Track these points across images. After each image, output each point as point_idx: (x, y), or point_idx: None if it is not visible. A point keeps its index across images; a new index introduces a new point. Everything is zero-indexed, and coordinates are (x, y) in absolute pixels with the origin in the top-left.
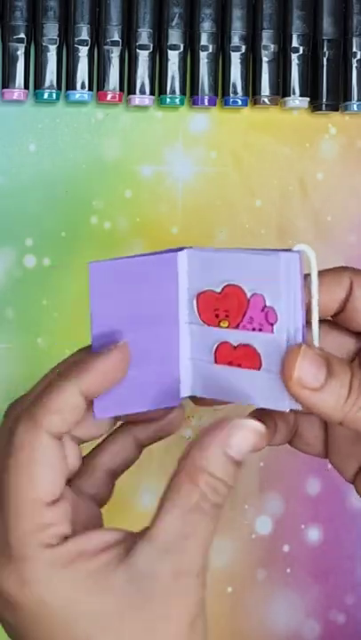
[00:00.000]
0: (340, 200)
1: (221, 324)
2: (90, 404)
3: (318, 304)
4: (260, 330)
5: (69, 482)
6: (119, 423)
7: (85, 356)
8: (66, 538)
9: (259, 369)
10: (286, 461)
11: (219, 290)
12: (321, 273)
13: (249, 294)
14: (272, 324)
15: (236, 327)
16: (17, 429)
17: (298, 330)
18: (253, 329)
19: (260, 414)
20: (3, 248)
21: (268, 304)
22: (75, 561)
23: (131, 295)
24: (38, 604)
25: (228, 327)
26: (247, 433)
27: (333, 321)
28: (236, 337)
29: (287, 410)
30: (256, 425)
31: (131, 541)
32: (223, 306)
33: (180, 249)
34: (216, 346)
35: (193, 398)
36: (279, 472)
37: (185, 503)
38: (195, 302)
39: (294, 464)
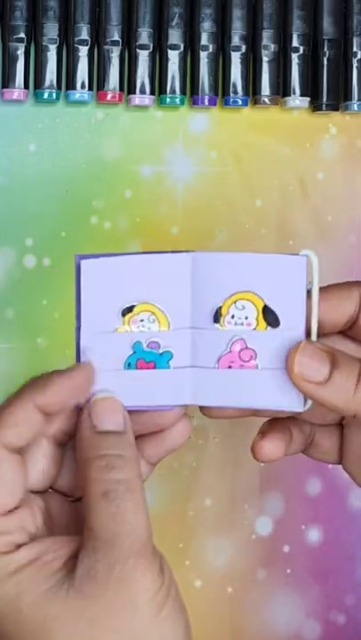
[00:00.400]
0: (340, 200)
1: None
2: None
3: (318, 307)
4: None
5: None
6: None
7: (50, 373)
8: (19, 546)
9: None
10: (286, 462)
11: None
12: (330, 287)
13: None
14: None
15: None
16: None
17: (302, 330)
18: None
19: (276, 425)
20: (2, 248)
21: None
22: (22, 569)
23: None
24: None
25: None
26: (102, 402)
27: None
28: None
29: (301, 410)
30: (103, 394)
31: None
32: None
33: (178, 251)
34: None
35: (204, 409)
36: (279, 472)
37: (91, 498)
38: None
39: (294, 464)
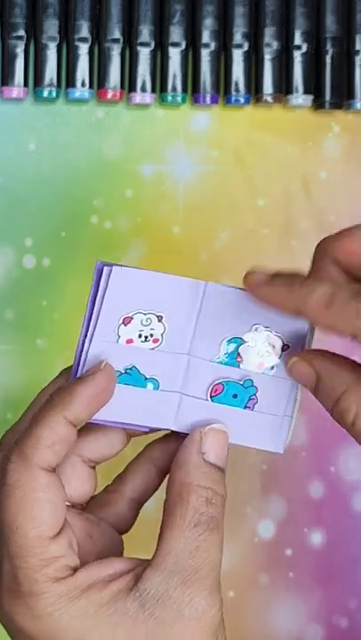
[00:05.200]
0: (343, 199)
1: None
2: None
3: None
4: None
5: (86, 508)
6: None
7: (70, 382)
8: (74, 569)
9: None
10: (289, 465)
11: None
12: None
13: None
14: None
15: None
16: (8, 467)
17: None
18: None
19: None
20: (2, 248)
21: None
22: (84, 593)
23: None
24: (51, 636)
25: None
26: (217, 434)
27: None
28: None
29: (280, 452)
30: (219, 425)
31: (140, 569)
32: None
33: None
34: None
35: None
36: (282, 475)
37: (181, 523)
38: (234, 349)
39: (297, 467)
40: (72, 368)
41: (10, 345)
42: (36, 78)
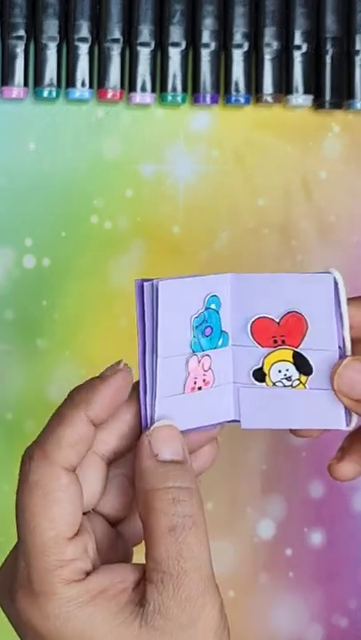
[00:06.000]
0: (343, 199)
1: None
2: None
3: (349, 322)
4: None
5: (106, 516)
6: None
7: (90, 381)
8: (87, 573)
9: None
10: (289, 464)
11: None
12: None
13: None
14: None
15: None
16: (30, 465)
17: (335, 348)
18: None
19: (356, 441)
20: (2, 248)
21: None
22: (94, 599)
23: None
24: (59, 636)
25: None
26: (163, 430)
27: None
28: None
29: (345, 428)
30: (162, 422)
31: (143, 582)
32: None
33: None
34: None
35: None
36: (282, 475)
37: (157, 531)
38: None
39: (297, 467)
40: (140, 384)
41: (10, 345)
42: (36, 78)
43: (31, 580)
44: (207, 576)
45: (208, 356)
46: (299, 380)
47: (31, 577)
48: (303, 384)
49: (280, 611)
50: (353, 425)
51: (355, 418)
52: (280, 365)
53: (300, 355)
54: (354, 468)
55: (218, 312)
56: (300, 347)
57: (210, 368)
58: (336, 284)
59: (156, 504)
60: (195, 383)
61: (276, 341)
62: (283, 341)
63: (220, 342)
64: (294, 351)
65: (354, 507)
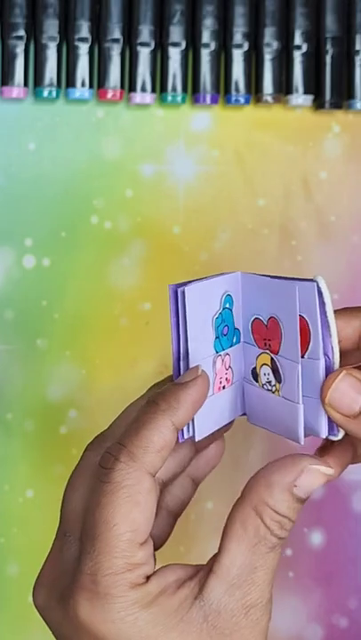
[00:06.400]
0: (343, 199)
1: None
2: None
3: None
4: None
5: None
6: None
7: (171, 387)
8: (147, 577)
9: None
10: None
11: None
12: (337, 311)
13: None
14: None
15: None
16: (116, 466)
17: (333, 356)
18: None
19: (336, 442)
20: (1, 248)
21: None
22: (155, 600)
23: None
24: (120, 639)
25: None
26: (317, 476)
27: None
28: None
29: (330, 437)
30: (326, 470)
31: (202, 576)
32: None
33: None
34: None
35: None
36: None
37: (251, 538)
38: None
39: None
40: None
41: (10, 345)
42: (36, 78)
43: (96, 581)
44: (270, 592)
45: (228, 354)
46: (275, 386)
47: (96, 577)
48: (278, 391)
49: (280, 611)
50: (341, 435)
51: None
52: (265, 369)
53: (274, 361)
54: (334, 468)
55: (231, 310)
56: (280, 353)
57: (230, 366)
58: (320, 292)
59: (267, 520)
60: (220, 383)
61: (265, 344)
62: (269, 345)
63: (234, 340)
64: (271, 356)
65: (354, 507)
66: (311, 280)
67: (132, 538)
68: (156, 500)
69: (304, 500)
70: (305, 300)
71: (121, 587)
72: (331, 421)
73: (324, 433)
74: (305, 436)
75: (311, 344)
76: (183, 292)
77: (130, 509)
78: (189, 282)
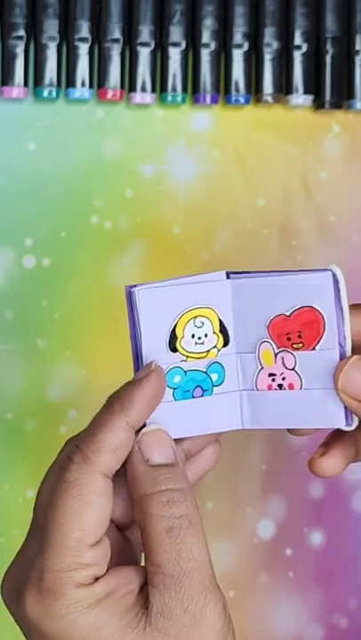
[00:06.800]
0: (343, 199)
1: (295, 346)
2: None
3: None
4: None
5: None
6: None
7: (126, 386)
8: (97, 578)
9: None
10: (289, 464)
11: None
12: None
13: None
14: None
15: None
16: (70, 467)
17: (336, 347)
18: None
19: (339, 438)
20: (2, 248)
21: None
22: (101, 601)
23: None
24: (61, 636)
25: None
26: (152, 435)
27: None
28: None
29: (344, 427)
30: (150, 426)
31: (145, 582)
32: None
33: (226, 273)
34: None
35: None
36: (282, 475)
37: (154, 535)
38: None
39: (297, 467)
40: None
41: (10, 345)
42: (36, 78)
43: (43, 579)
44: (208, 575)
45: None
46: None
47: (43, 575)
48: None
49: (280, 610)
50: (355, 424)
51: (356, 417)
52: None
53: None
54: (336, 464)
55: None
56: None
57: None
58: (336, 281)
59: (151, 508)
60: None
61: (289, 339)
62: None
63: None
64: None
65: (354, 507)
66: (325, 270)
67: (81, 537)
68: (111, 500)
69: (168, 463)
70: (318, 289)
71: (66, 585)
72: (347, 411)
73: (341, 423)
74: (324, 427)
75: (325, 334)
76: (135, 293)
77: (80, 509)
78: (146, 283)
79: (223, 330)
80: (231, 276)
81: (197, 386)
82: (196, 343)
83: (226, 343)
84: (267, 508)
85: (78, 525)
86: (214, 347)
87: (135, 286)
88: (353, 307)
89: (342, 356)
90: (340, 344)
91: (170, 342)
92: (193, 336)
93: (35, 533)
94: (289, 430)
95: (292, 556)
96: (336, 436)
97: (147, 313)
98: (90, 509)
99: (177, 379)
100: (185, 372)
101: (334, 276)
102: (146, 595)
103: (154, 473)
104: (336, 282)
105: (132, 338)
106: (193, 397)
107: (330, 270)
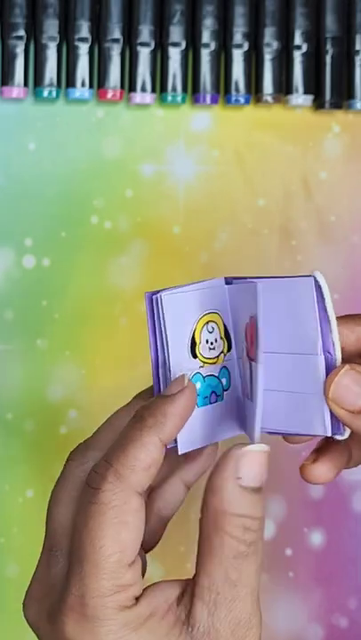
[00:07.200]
0: (343, 200)
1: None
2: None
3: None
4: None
5: None
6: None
7: (158, 401)
8: (137, 598)
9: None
10: (289, 464)
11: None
12: (339, 318)
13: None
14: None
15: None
16: (104, 486)
17: (335, 352)
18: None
19: (332, 444)
20: (2, 248)
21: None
22: (145, 623)
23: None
24: None
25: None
26: (254, 457)
27: None
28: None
29: (337, 437)
30: (259, 447)
31: (187, 600)
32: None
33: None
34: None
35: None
36: (281, 475)
37: (220, 553)
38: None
39: (297, 467)
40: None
41: (10, 345)
42: (36, 78)
43: (84, 603)
44: (256, 600)
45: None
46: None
47: (84, 599)
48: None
49: (280, 610)
50: (347, 434)
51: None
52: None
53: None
54: (327, 472)
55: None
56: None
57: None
58: (319, 287)
59: (227, 527)
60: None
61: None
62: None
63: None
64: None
65: (354, 507)
66: (308, 276)
67: (120, 559)
68: (144, 517)
69: (257, 488)
70: (301, 295)
71: (110, 609)
72: (335, 419)
73: (327, 431)
74: (310, 435)
75: (304, 339)
76: (160, 299)
77: (118, 530)
78: (167, 289)
79: (227, 335)
80: (228, 281)
81: (213, 392)
82: (210, 349)
83: (230, 348)
84: (267, 508)
85: (117, 548)
86: (222, 352)
87: (158, 292)
88: (344, 317)
89: (330, 364)
90: (328, 351)
91: (191, 348)
92: (207, 341)
93: (58, 554)
94: (284, 437)
95: (292, 556)
96: (328, 443)
97: (171, 319)
98: (127, 530)
99: (198, 385)
100: (203, 377)
101: (316, 282)
102: (186, 608)
103: (243, 494)
104: (319, 287)
105: (152, 344)
106: (210, 403)
107: (312, 276)
